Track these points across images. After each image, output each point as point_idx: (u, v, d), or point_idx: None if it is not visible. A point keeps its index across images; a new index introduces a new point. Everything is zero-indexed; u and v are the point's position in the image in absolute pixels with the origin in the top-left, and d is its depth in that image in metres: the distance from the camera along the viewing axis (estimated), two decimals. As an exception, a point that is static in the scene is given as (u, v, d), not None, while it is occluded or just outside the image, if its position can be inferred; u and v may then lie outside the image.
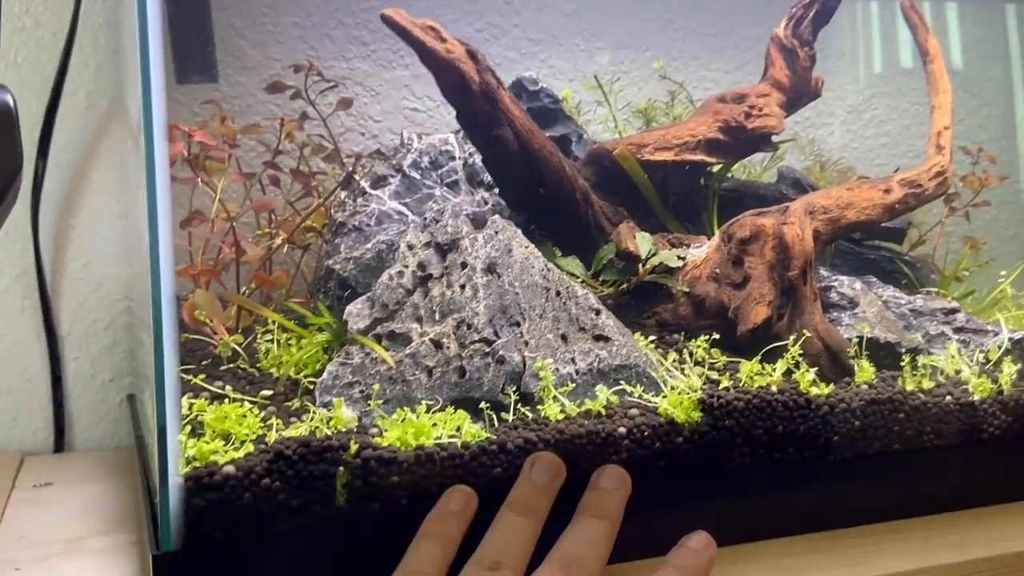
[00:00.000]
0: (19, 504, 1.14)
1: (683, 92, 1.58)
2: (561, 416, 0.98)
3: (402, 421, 0.94)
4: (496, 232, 1.11)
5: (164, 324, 0.80)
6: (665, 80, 1.59)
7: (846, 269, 1.38)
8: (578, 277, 1.20)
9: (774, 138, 1.38)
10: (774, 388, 1.05)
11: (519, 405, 1.00)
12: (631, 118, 1.57)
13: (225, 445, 0.89)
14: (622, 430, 0.98)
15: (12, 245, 1.36)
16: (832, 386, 1.08)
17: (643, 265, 1.20)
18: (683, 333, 1.19)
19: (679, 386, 1.04)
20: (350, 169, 1.23)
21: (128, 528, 1.05)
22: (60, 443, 1.40)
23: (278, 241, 1.19)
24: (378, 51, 1.53)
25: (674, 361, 1.11)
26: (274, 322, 1.08)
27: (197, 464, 0.85)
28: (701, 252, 1.24)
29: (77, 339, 1.40)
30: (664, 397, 1.02)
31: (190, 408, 0.95)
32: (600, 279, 1.23)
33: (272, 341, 1.09)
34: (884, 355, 1.19)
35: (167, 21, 1.30)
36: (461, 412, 0.98)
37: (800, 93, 1.41)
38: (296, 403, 1.01)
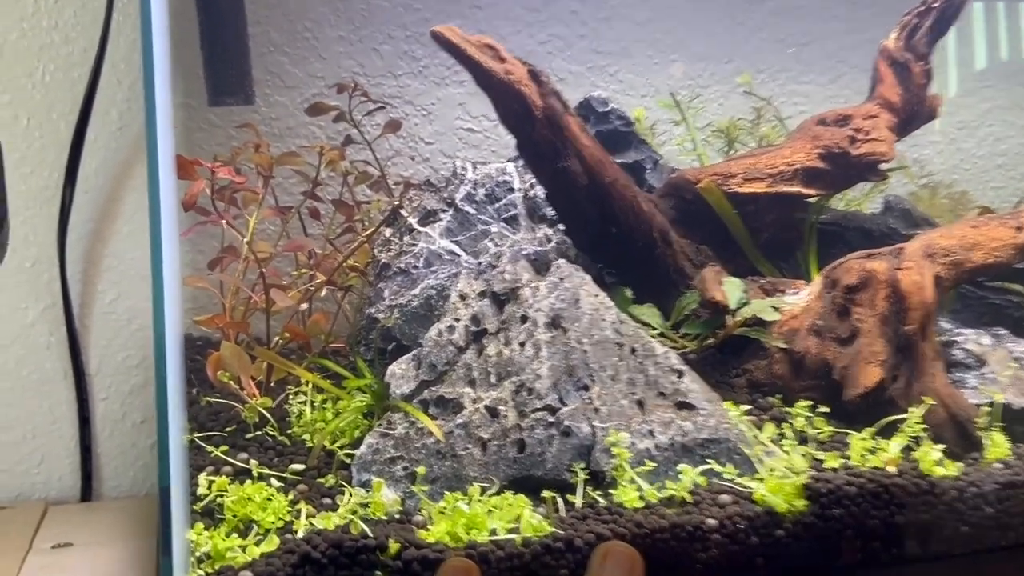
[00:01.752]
0: (33, 569, 1.03)
1: (771, 109, 1.41)
2: (640, 503, 0.85)
3: (451, 510, 0.81)
4: (561, 279, 0.97)
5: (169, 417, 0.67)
6: (750, 96, 1.42)
7: (968, 318, 1.20)
8: (655, 329, 1.05)
9: (882, 166, 1.20)
10: (891, 469, 0.91)
11: (588, 487, 0.86)
12: (711, 138, 1.41)
13: (245, 539, 0.76)
14: (712, 522, 0.85)
15: (38, 277, 1.27)
16: (959, 465, 0.94)
17: (732, 316, 1.04)
18: (779, 396, 1.04)
19: (778, 467, 0.88)
20: (396, 203, 1.09)
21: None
22: (87, 490, 1.31)
23: (316, 282, 1.06)
24: (430, 67, 1.41)
25: (772, 434, 0.95)
26: (307, 381, 0.95)
27: (209, 569, 0.72)
28: (799, 300, 1.08)
29: (106, 377, 1.31)
30: (761, 481, 0.88)
31: (209, 487, 0.83)
32: (681, 332, 1.07)
33: (305, 403, 0.97)
34: (1020, 425, 1.03)
35: (201, 39, 1.19)
36: (520, 498, 0.85)
37: (913, 114, 1.24)
38: (331, 479, 0.89)
